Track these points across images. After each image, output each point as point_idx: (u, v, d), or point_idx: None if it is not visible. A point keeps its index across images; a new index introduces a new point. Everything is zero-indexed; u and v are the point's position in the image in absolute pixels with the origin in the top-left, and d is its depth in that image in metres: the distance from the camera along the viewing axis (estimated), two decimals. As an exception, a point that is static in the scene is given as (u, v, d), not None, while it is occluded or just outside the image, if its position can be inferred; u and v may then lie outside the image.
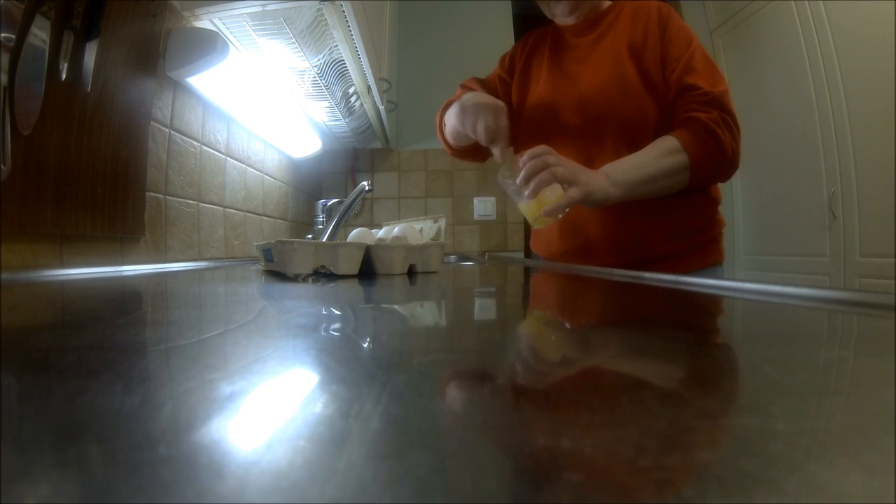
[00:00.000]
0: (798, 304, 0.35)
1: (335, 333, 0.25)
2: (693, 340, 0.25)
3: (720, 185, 0.88)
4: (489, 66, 1.06)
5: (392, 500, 0.07)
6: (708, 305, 0.39)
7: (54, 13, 0.56)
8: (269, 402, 0.13)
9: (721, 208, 0.89)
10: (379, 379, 0.15)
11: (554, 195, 0.71)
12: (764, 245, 2.18)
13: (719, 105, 0.77)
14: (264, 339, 0.23)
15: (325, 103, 1.41)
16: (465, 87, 0.96)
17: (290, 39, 1.00)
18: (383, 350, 0.22)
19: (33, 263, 0.59)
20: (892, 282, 1.55)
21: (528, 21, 1.04)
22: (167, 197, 0.89)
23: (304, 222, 1.79)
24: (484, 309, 0.40)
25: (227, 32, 0.98)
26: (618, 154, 0.79)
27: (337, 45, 1.05)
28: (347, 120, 1.60)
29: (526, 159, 0.72)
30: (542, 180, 0.70)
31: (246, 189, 1.26)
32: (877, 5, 1.59)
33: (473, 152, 0.97)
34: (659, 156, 0.76)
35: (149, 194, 0.83)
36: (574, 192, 0.71)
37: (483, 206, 2.08)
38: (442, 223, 1.18)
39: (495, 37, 2.15)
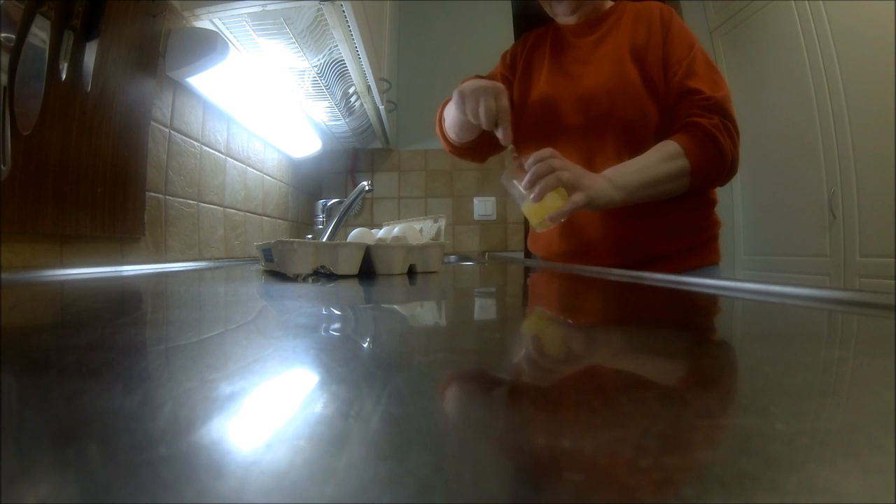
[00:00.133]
0: (798, 304, 0.35)
1: (335, 333, 0.25)
2: (693, 340, 0.25)
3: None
4: (489, 66, 1.06)
5: (392, 500, 0.07)
6: (708, 305, 0.39)
7: (54, 13, 0.56)
8: (269, 402, 0.13)
9: (720, 209, 0.89)
10: (379, 379, 0.15)
11: (558, 199, 0.71)
12: (764, 245, 2.18)
13: (720, 110, 0.77)
14: (264, 339, 0.23)
15: (325, 103, 1.41)
16: None
17: (290, 39, 1.00)
18: (383, 350, 0.22)
19: (33, 263, 0.59)
20: (892, 282, 1.55)
21: (528, 21, 1.04)
22: (167, 197, 0.89)
23: (304, 222, 1.79)
24: (484, 309, 0.40)
25: (227, 32, 0.98)
26: (618, 155, 0.79)
27: (337, 45, 1.05)
28: (347, 120, 1.60)
29: (531, 162, 0.71)
30: (547, 185, 0.70)
31: (246, 189, 1.26)
32: (877, 5, 1.59)
33: (473, 150, 0.96)
34: (660, 160, 0.76)
35: (149, 194, 0.83)
36: (578, 198, 0.70)
37: (483, 206, 2.08)
38: (442, 223, 1.18)
39: (495, 37, 2.15)
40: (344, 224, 1.10)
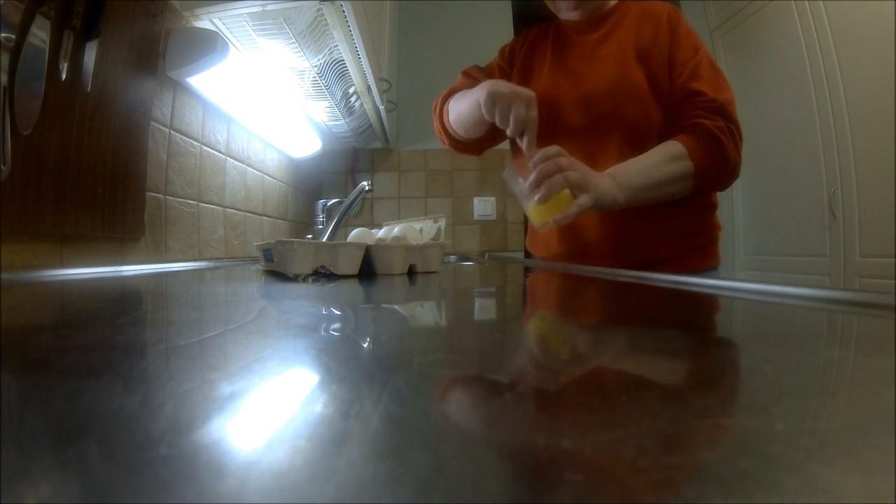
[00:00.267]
0: (798, 304, 0.35)
1: (335, 333, 0.25)
2: (693, 340, 0.25)
3: None
4: (489, 66, 1.06)
5: (392, 500, 0.07)
6: (708, 305, 0.39)
7: (54, 13, 0.56)
8: (269, 402, 0.13)
9: (720, 209, 0.89)
10: (379, 379, 0.15)
11: (563, 200, 0.69)
12: (764, 245, 2.18)
13: (724, 113, 0.76)
14: (264, 339, 0.23)
15: (325, 103, 1.41)
16: (467, 75, 0.94)
17: (290, 39, 1.00)
18: (383, 350, 0.22)
19: (33, 263, 0.59)
20: (892, 282, 1.55)
21: (528, 21, 1.04)
22: (167, 197, 0.89)
23: (304, 222, 1.79)
24: (484, 309, 0.40)
25: (227, 32, 0.98)
26: (621, 157, 0.78)
27: (337, 45, 1.05)
28: (347, 120, 1.60)
29: (537, 160, 0.69)
30: (554, 185, 0.68)
31: (246, 189, 1.26)
32: (877, 5, 1.59)
33: (474, 145, 0.93)
34: (664, 161, 0.75)
35: (149, 194, 0.83)
36: (585, 200, 0.69)
37: (483, 206, 2.08)
38: (442, 223, 1.18)
39: (495, 37, 2.15)
40: (344, 224, 1.10)
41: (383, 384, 0.14)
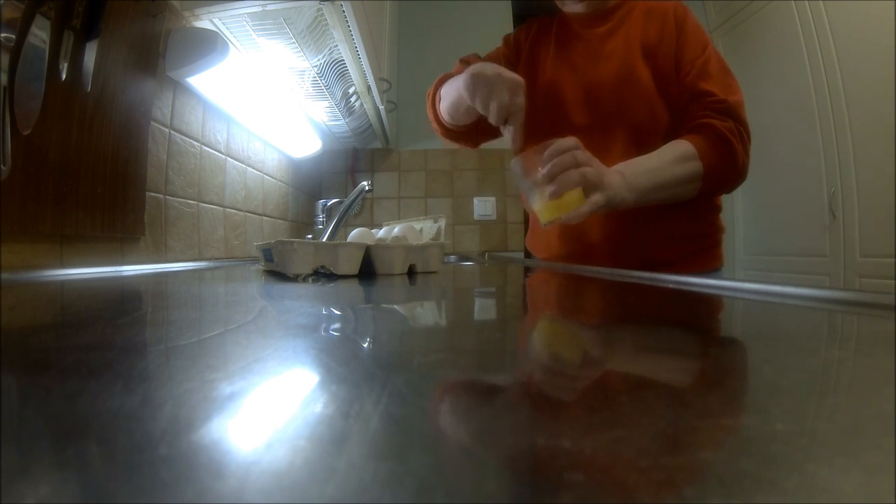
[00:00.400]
0: (798, 304, 0.35)
1: (335, 333, 0.25)
2: (693, 340, 0.25)
3: None
4: (489, 66, 1.05)
5: (392, 500, 0.07)
6: (708, 305, 0.39)
7: (54, 13, 0.56)
8: (269, 402, 0.13)
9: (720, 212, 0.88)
10: (379, 379, 0.15)
11: (574, 197, 0.65)
12: (764, 245, 2.18)
13: (734, 115, 0.74)
14: (264, 339, 0.23)
15: (325, 103, 1.41)
16: (466, 63, 0.88)
17: (290, 39, 1.00)
18: (383, 350, 0.22)
19: (33, 263, 0.59)
20: (892, 282, 1.55)
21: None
22: (167, 197, 0.89)
23: (304, 222, 1.79)
24: (484, 309, 0.40)
25: (227, 32, 0.98)
26: (626, 157, 0.75)
27: (337, 45, 1.05)
28: (347, 120, 1.60)
29: (553, 152, 0.64)
30: (569, 181, 0.63)
31: (246, 189, 1.26)
32: (877, 5, 1.59)
33: (468, 135, 0.88)
34: (674, 161, 0.72)
35: (149, 194, 0.83)
36: (599, 198, 0.65)
37: (483, 206, 2.08)
38: (442, 223, 1.18)
39: (495, 37, 2.13)
40: (344, 224, 1.10)
41: (383, 384, 0.14)
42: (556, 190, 0.63)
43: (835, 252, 1.80)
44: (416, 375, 0.17)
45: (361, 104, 1.47)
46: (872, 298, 0.32)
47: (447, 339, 0.26)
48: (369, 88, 1.34)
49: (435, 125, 0.90)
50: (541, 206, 0.68)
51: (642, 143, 0.77)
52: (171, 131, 0.90)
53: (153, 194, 0.85)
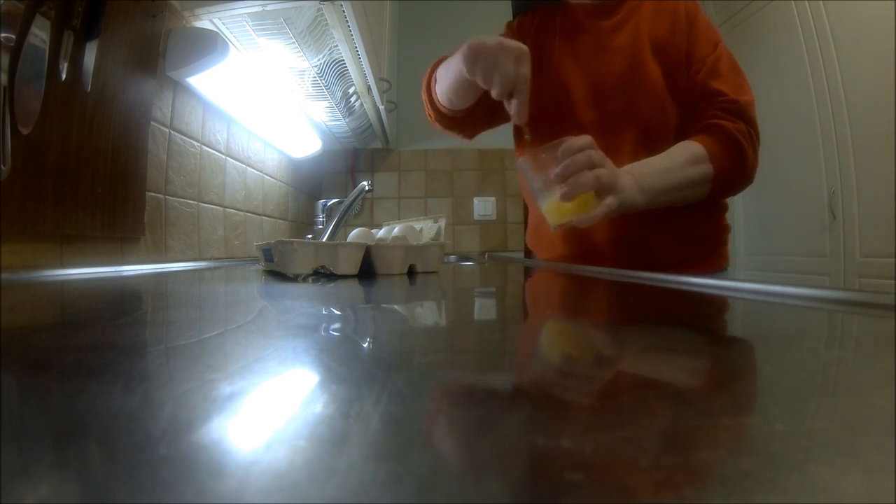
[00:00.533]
0: (798, 304, 0.35)
1: (335, 333, 0.25)
2: (693, 340, 0.25)
3: None
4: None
5: (392, 500, 0.07)
6: (708, 305, 0.39)
7: (54, 13, 0.56)
8: (269, 402, 0.13)
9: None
10: (379, 379, 0.15)
11: (587, 199, 0.62)
12: (764, 245, 2.18)
13: (745, 116, 0.72)
14: (264, 339, 0.23)
15: (325, 103, 1.41)
16: None
17: (290, 39, 1.00)
18: (383, 350, 0.22)
19: (33, 263, 0.59)
20: (892, 282, 1.55)
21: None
22: (167, 197, 0.89)
23: (304, 222, 1.79)
24: (484, 309, 0.40)
25: (227, 32, 0.98)
26: (635, 157, 0.72)
27: (337, 45, 1.05)
28: (347, 120, 1.60)
29: (566, 150, 0.61)
30: (583, 183, 0.60)
31: (246, 189, 1.26)
32: (877, 5, 1.59)
33: (464, 121, 0.82)
34: (685, 163, 0.69)
35: (149, 194, 0.83)
36: (612, 202, 0.62)
37: (483, 206, 2.08)
38: (442, 223, 1.18)
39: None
40: (344, 224, 1.10)
41: (383, 384, 0.14)
42: (569, 192, 0.60)
43: (835, 252, 1.80)
44: (416, 375, 0.17)
45: (361, 104, 1.47)
46: (872, 298, 0.32)
47: (447, 339, 0.26)
48: (369, 88, 1.34)
49: (429, 111, 0.84)
50: (550, 207, 0.64)
51: (652, 142, 0.74)
52: (171, 131, 0.90)
53: (153, 194, 0.85)
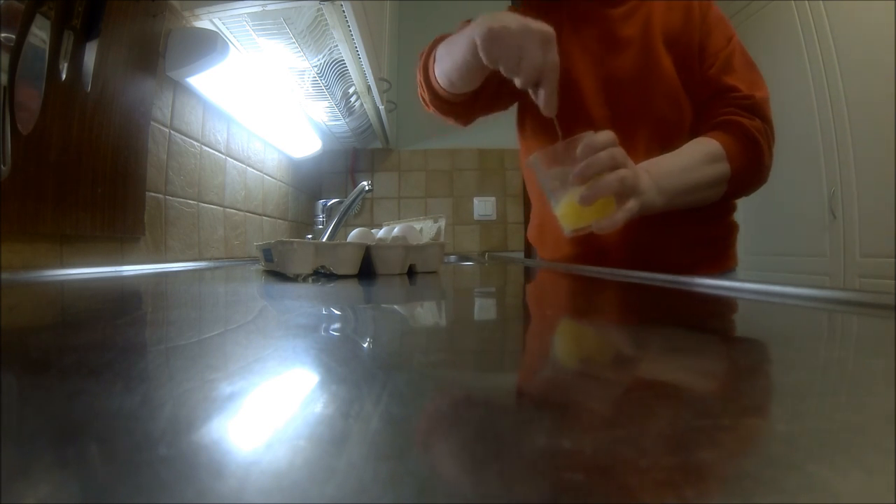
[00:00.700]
0: (798, 304, 0.35)
1: (335, 333, 0.25)
2: (693, 340, 0.25)
3: None
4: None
5: (392, 500, 0.07)
6: (708, 305, 0.39)
7: (54, 13, 0.56)
8: (269, 402, 0.13)
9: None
10: (379, 379, 0.15)
11: (606, 202, 0.57)
12: (764, 245, 2.18)
13: (760, 113, 0.69)
14: (264, 339, 0.23)
15: (325, 103, 1.41)
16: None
17: (290, 39, 1.00)
18: (383, 350, 0.22)
19: (33, 263, 0.59)
20: (892, 282, 1.55)
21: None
22: (167, 197, 0.89)
23: (304, 222, 1.79)
24: (484, 309, 0.40)
25: (227, 32, 0.98)
26: (648, 157, 0.67)
27: (337, 45, 1.05)
28: (347, 120, 1.60)
29: (589, 149, 0.55)
30: (607, 186, 0.55)
31: (246, 189, 1.26)
32: (877, 5, 1.59)
33: (463, 106, 0.76)
34: (703, 161, 0.65)
35: (149, 194, 0.83)
36: (633, 205, 0.57)
37: (483, 206, 2.07)
38: (442, 223, 1.18)
39: (495, 37, 2.14)
40: (344, 224, 1.10)
41: (383, 384, 0.14)
42: (590, 196, 0.55)
43: (835, 252, 1.80)
44: (416, 375, 0.17)
45: (361, 104, 1.47)
46: (872, 298, 0.32)
47: (447, 340, 0.26)
48: (369, 88, 1.34)
49: (423, 93, 0.76)
50: (566, 211, 0.58)
51: (666, 140, 0.69)
52: (171, 131, 0.90)
53: (153, 194, 0.85)
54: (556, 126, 0.59)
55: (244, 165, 1.25)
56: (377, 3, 1.31)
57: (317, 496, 0.08)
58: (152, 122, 0.83)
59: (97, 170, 0.68)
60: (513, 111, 0.89)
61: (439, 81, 0.69)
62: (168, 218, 0.90)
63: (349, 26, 0.98)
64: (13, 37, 0.51)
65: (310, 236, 1.55)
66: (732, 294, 0.42)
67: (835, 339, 0.27)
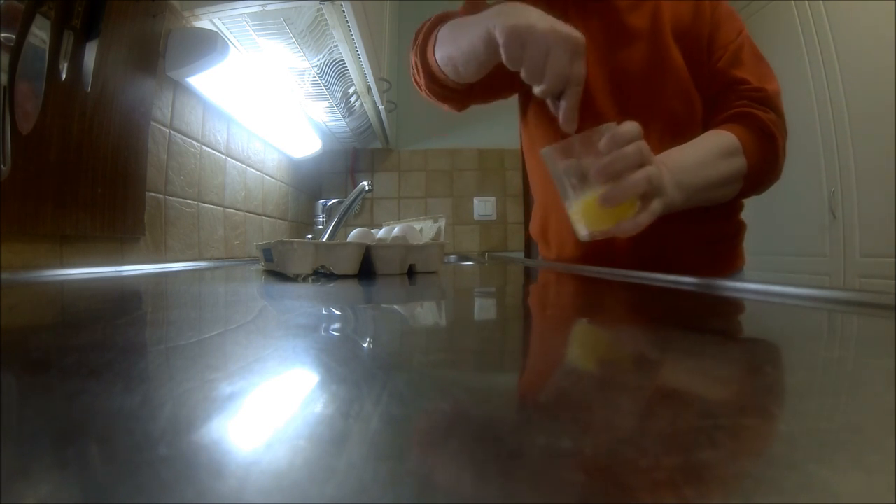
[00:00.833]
0: (798, 304, 0.35)
1: (335, 333, 0.25)
2: (692, 340, 0.25)
3: None
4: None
5: (392, 500, 0.07)
6: (708, 305, 0.39)
7: (54, 13, 0.56)
8: (269, 402, 0.13)
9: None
10: (379, 379, 0.15)
11: (630, 203, 0.51)
12: (764, 245, 2.18)
13: (774, 106, 0.66)
14: (264, 339, 0.23)
15: (325, 103, 1.41)
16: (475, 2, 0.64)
17: (290, 39, 1.00)
18: (383, 350, 0.22)
19: (33, 263, 0.59)
20: (892, 282, 1.55)
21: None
22: (167, 197, 0.89)
23: (304, 222, 1.79)
24: (484, 309, 0.40)
25: (227, 32, 0.98)
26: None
27: (337, 45, 1.05)
28: (347, 120, 1.60)
29: (614, 142, 0.49)
30: (633, 187, 0.49)
31: (246, 189, 1.26)
32: (877, 5, 1.59)
33: (460, 94, 0.70)
34: (720, 156, 0.61)
35: (149, 194, 0.83)
36: (658, 207, 0.52)
37: (483, 206, 2.07)
38: (442, 223, 1.18)
39: (495, 37, 2.14)
40: (344, 224, 1.10)
41: (383, 384, 0.14)
42: (615, 197, 0.49)
43: (835, 252, 1.80)
44: (416, 375, 0.17)
45: (361, 104, 1.47)
46: (872, 298, 0.32)
47: (447, 340, 0.26)
48: (369, 88, 1.34)
49: (418, 76, 0.71)
50: (584, 211, 0.52)
51: (678, 137, 0.65)
52: (171, 131, 0.90)
53: (153, 194, 0.85)
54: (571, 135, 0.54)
55: (244, 165, 1.25)
56: (377, 3, 1.31)
57: (317, 496, 0.08)
58: (152, 122, 0.83)
59: (97, 170, 0.68)
60: (513, 110, 0.88)
61: (440, 66, 0.64)
62: (168, 218, 0.90)
63: (349, 26, 0.98)
64: (13, 37, 0.51)
65: (310, 236, 1.55)
66: (732, 294, 0.42)
67: (835, 339, 0.27)
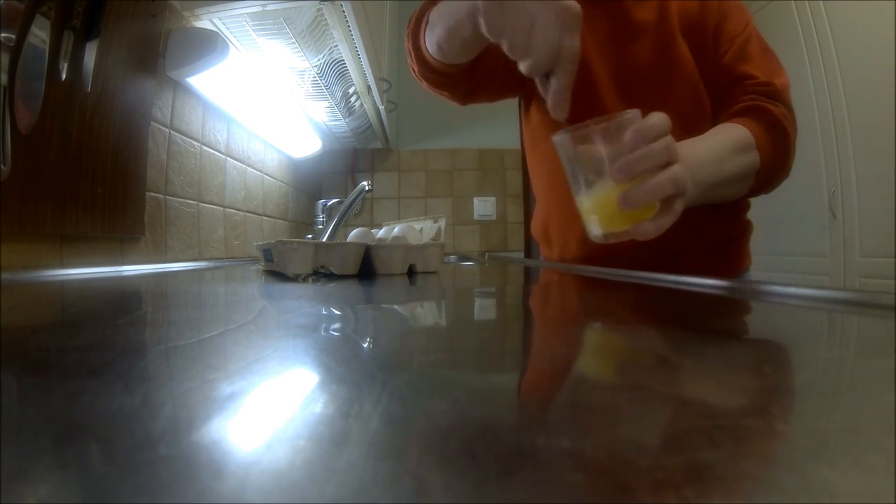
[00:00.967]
0: (798, 304, 0.35)
1: (335, 333, 0.25)
2: (692, 340, 0.25)
3: None
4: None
5: (392, 500, 0.07)
6: (708, 305, 0.39)
7: (54, 13, 0.56)
8: (269, 402, 0.13)
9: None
10: (379, 379, 0.15)
11: (651, 204, 0.45)
12: (764, 245, 2.18)
13: (783, 100, 0.63)
14: (264, 339, 0.23)
15: (325, 103, 1.41)
16: None
17: (290, 39, 1.00)
18: (383, 350, 0.22)
19: (33, 263, 0.59)
20: (892, 282, 1.55)
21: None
22: (167, 197, 0.89)
23: (304, 222, 1.79)
24: (484, 309, 0.40)
25: (227, 32, 0.98)
26: None
27: (337, 45, 1.05)
28: (347, 120, 1.60)
29: (643, 134, 0.42)
30: (659, 188, 0.42)
31: (246, 189, 1.26)
32: (877, 5, 1.59)
33: (458, 80, 0.66)
34: (734, 150, 0.58)
35: (149, 194, 0.83)
36: (679, 207, 0.46)
37: (483, 206, 2.07)
38: (442, 223, 1.18)
39: (495, 37, 2.14)
40: (344, 224, 1.10)
41: (383, 384, 0.14)
42: (638, 199, 0.42)
43: (835, 252, 1.80)
44: (416, 375, 0.17)
45: (361, 104, 1.47)
46: (872, 298, 0.32)
47: (447, 340, 0.26)
48: (369, 88, 1.34)
49: (412, 63, 0.66)
50: (600, 209, 0.45)
51: (687, 135, 0.60)
52: (171, 131, 0.90)
53: (153, 194, 0.85)
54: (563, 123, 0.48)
55: (244, 165, 1.25)
56: (377, 3, 1.31)
57: (317, 496, 0.08)
58: (152, 122, 0.83)
59: (97, 170, 0.68)
60: (513, 110, 0.88)
61: (429, 49, 0.59)
62: (168, 218, 0.90)
63: (349, 26, 0.98)
64: (13, 37, 0.51)
65: (310, 236, 1.55)
66: (732, 294, 0.42)
67: (835, 339, 0.27)
